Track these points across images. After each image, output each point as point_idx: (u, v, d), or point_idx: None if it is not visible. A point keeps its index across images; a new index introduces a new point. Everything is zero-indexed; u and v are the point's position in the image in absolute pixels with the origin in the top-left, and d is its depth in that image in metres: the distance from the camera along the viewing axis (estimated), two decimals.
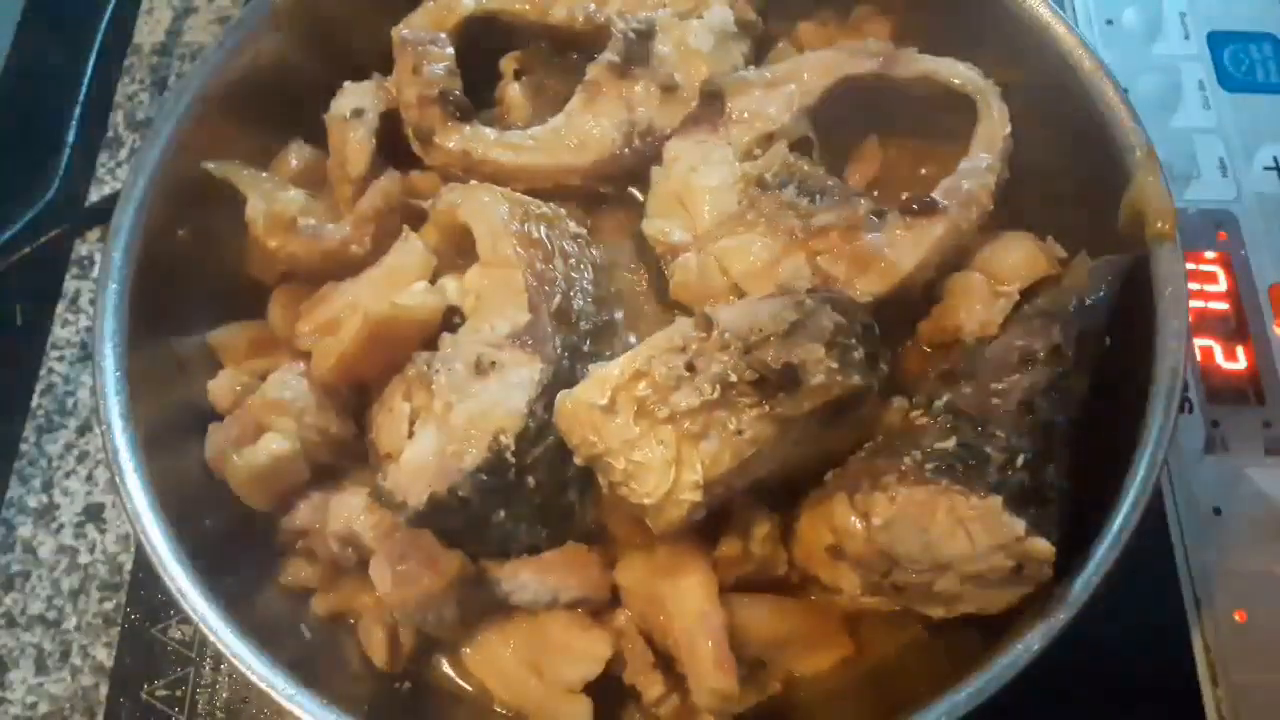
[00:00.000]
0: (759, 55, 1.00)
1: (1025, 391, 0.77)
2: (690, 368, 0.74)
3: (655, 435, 0.74)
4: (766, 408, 0.74)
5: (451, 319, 0.86)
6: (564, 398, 0.77)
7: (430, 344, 0.84)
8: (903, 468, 0.75)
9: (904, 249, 0.84)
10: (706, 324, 0.75)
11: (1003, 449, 0.75)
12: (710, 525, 0.79)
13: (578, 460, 0.78)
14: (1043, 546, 0.71)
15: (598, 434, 0.75)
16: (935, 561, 0.73)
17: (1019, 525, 0.71)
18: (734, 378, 0.73)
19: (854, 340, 0.78)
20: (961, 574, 0.73)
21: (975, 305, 0.86)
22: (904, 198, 0.87)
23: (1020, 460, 0.74)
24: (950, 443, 0.75)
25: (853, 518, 0.77)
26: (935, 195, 0.87)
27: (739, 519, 0.80)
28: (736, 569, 0.81)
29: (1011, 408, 0.77)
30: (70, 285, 1.19)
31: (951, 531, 0.72)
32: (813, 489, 0.81)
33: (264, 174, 0.95)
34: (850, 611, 0.81)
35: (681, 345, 0.75)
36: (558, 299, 0.83)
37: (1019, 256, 0.87)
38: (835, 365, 0.75)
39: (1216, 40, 1.25)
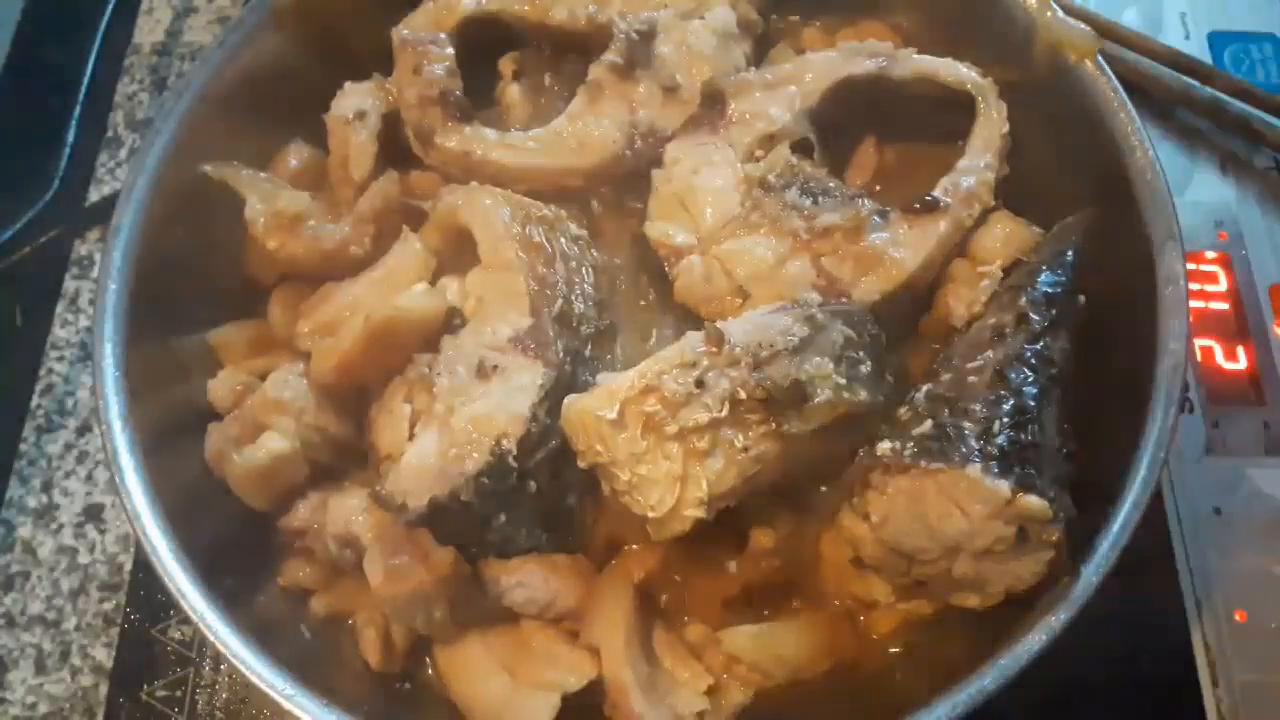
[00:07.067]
0: (758, 56, 1.00)
1: (997, 364, 0.78)
2: (700, 384, 0.74)
3: (662, 450, 0.74)
4: (774, 425, 0.75)
5: (452, 320, 0.86)
6: (571, 403, 0.77)
7: (431, 345, 0.84)
8: (886, 461, 0.75)
9: (908, 248, 0.85)
10: (717, 339, 0.76)
11: (979, 420, 0.75)
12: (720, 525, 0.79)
13: (581, 464, 0.78)
14: (1035, 503, 0.70)
15: (604, 444, 0.75)
16: (943, 545, 0.74)
17: (1003, 486, 0.71)
18: (743, 395, 0.74)
19: (862, 354, 0.78)
20: (973, 552, 0.73)
21: (961, 289, 0.86)
22: (906, 197, 0.87)
23: (997, 426, 0.74)
24: (926, 426, 0.75)
25: (856, 522, 0.77)
26: (936, 193, 0.87)
27: (759, 517, 0.82)
28: (761, 564, 0.81)
29: (986, 381, 0.77)
30: (70, 285, 1.19)
31: (946, 511, 0.73)
32: (821, 508, 0.82)
33: (263, 174, 0.95)
34: (901, 624, 0.82)
35: (692, 361, 0.75)
36: (559, 303, 0.83)
37: (997, 236, 0.88)
38: (843, 381, 0.76)
39: (1217, 40, 1.25)
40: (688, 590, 0.84)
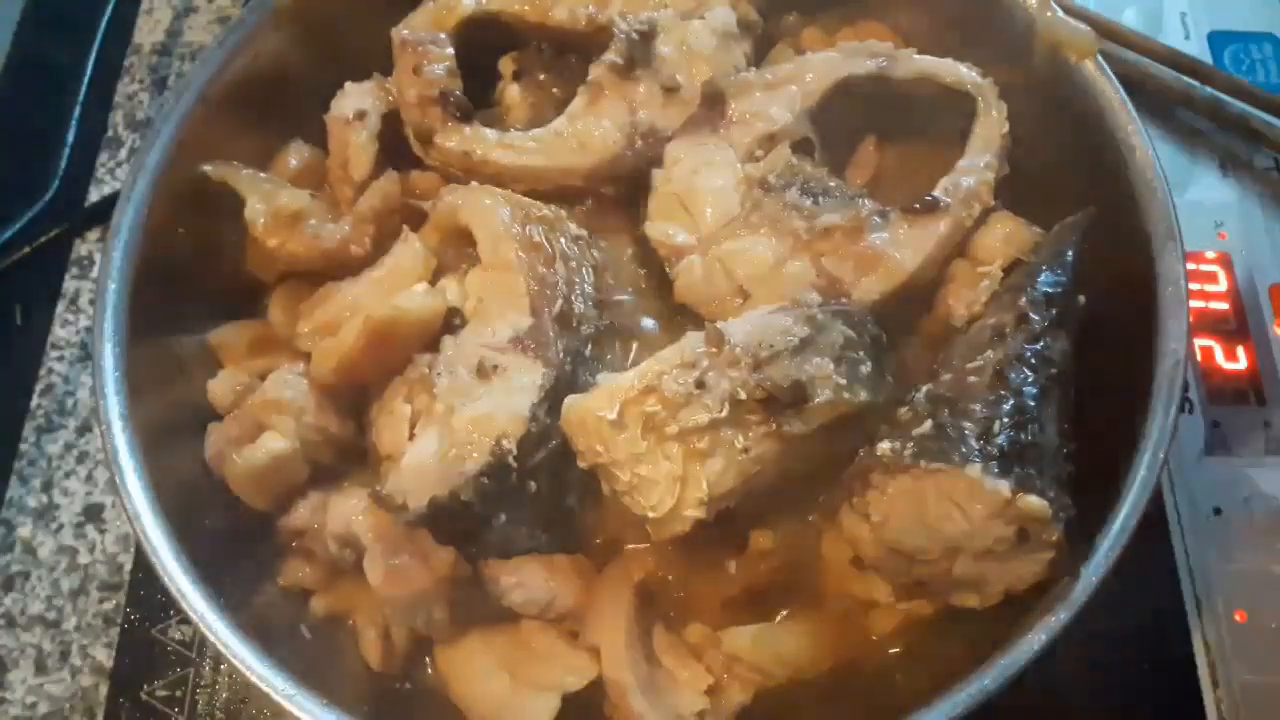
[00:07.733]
0: (758, 56, 1.00)
1: (997, 364, 0.78)
2: (700, 384, 0.74)
3: (662, 451, 0.75)
4: (774, 426, 0.75)
5: (452, 320, 0.86)
6: (572, 404, 0.77)
7: (431, 346, 0.84)
8: (885, 461, 0.75)
9: (908, 248, 0.85)
10: (717, 339, 0.76)
11: (979, 420, 0.74)
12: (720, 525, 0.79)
13: (581, 464, 0.78)
14: (1035, 503, 0.70)
15: (604, 445, 0.75)
16: (943, 546, 0.74)
17: (1003, 486, 0.70)
18: (743, 395, 0.74)
19: (862, 354, 0.78)
20: (973, 553, 0.73)
21: (961, 289, 0.86)
22: (906, 197, 0.87)
23: (997, 426, 0.74)
24: (926, 426, 0.75)
25: (857, 522, 0.77)
26: (936, 193, 0.87)
27: (759, 517, 0.82)
28: (761, 565, 0.82)
29: (986, 381, 0.77)
30: (70, 285, 1.19)
31: (946, 512, 0.72)
32: (821, 508, 0.82)
33: (263, 174, 0.95)
34: (901, 624, 0.82)
35: (692, 361, 0.75)
36: (559, 303, 0.83)
37: (997, 235, 0.88)
38: (843, 381, 0.76)
39: (1217, 40, 1.25)
40: (688, 590, 0.84)
